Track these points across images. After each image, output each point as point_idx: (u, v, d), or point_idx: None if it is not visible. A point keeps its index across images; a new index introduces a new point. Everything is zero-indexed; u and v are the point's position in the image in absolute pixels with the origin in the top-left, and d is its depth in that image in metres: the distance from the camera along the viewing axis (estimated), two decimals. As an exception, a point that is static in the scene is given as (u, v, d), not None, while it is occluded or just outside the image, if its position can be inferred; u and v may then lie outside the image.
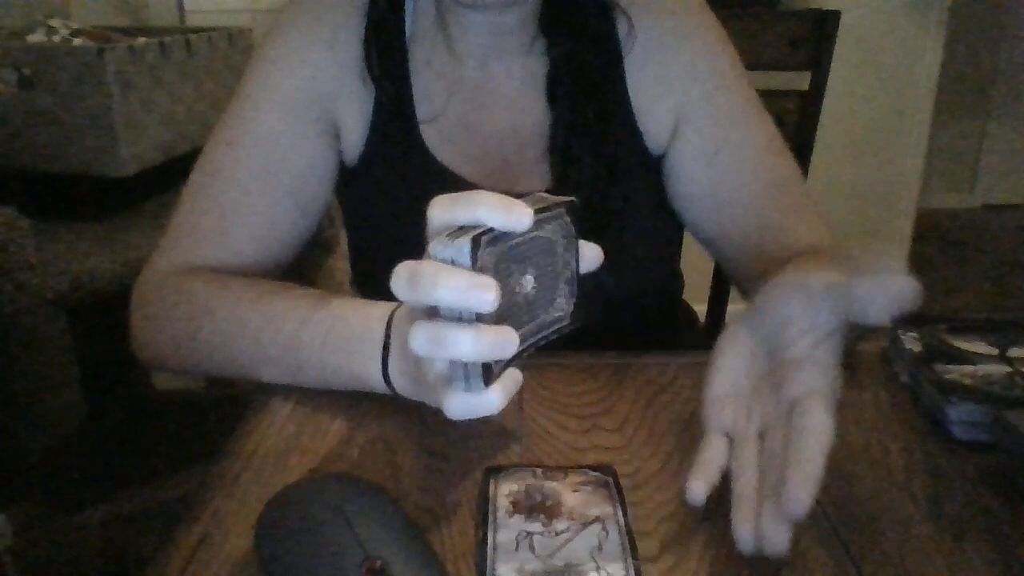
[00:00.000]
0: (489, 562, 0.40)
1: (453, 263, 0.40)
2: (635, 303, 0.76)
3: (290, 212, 0.70)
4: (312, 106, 0.70)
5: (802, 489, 0.38)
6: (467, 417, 0.45)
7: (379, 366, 0.53)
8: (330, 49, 0.70)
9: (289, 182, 0.69)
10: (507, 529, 0.43)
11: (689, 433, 0.53)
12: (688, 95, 0.72)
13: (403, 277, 0.41)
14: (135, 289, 0.68)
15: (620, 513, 0.44)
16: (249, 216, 0.68)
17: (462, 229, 0.41)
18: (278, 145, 0.69)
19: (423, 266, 0.40)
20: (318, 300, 0.58)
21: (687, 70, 0.72)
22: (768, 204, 0.71)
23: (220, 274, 0.65)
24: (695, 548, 0.43)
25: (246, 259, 0.67)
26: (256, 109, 0.69)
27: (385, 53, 0.71)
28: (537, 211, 0.42)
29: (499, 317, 0.42)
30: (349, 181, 0.74)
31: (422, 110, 0.72)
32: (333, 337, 0.55)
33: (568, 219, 0.46)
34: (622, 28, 0.72)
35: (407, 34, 0.72)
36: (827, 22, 1.06)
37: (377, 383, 0.54)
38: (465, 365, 0.42)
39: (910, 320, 0.65)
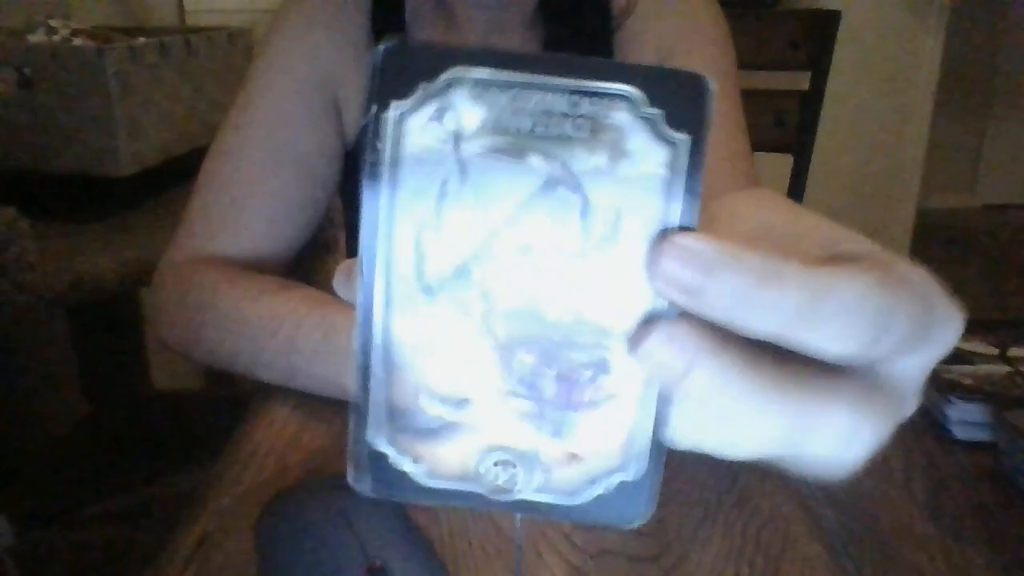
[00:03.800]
0: None
1: None
2: None
3: (300, 193, 0.70)
4: (317, 87, 0.71)
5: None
6: None
7: None
8: (331, 30, 0.72)
9: (298, 163, 0.70)
10: None
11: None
12: (669, 56, 0.74)
13: (343, 274, 0.38)
14: (155, 276, 0.69)
15: None
16: (260, 198, 0.69)
17: None
18: (285, 127, 0.70)
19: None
20: (315, 304, 0.58)
21: (672, 36, 0.74)
22: (724, 174, 0.72)
23: (228, 267, 0.65)
24: (695, 548, 0.43)
25: (258, 241, 0.68)
26: (262, 93, 0.71)
27: (384, 31, 0.72)
28: None
29: None
30: (348, 167, 0.75)
31: None
32: (325, 346, 0.55)
33: None
34: (618, 3, 0.73)
35: (407, 11, 0.73)
36: (827, 22, 1.06)
37: None
38: None
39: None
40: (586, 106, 0.22)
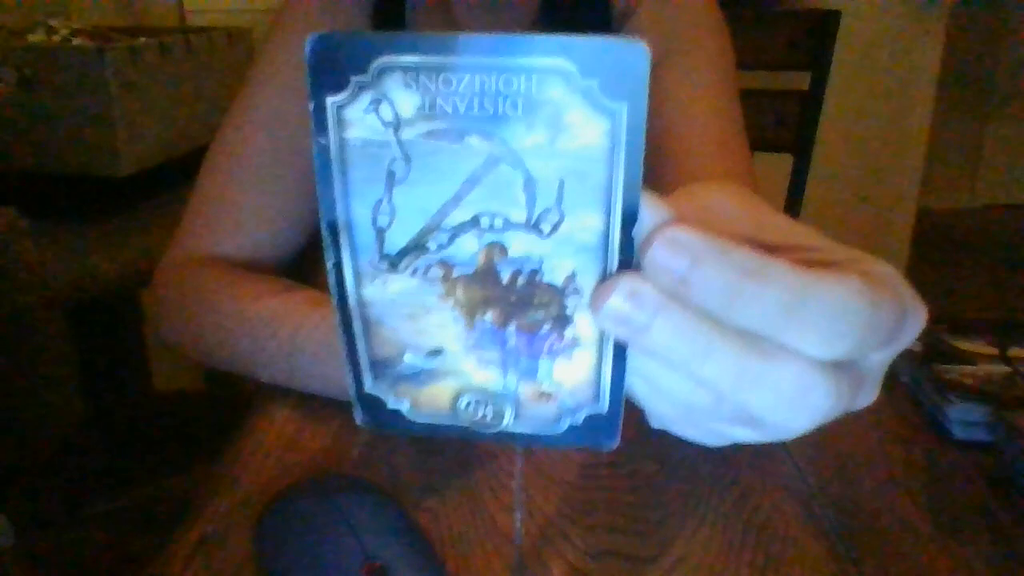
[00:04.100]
0: None
1: None
2: None
3: (300, 194, 0.71)
4: None
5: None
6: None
7: None
8: (331, 29, 0.72)
9: (298, 164, 0.70)
10: None
11: (689, 433, 0.53)
12: (668, 55, 0.73)
13: None
14: (155, 275, 0.69)
15: None
16: (260, 198, 0.69)
17: None
18: (285, 127, 0.70)
19: None
20: (316, 305, 0.58)
21: (671, 37, 0.73)
22: (721, 175, 0.71)
23: (229, 268, 0.66)
24: (695, 548, 0.43)
25: (258, 241, 0.69)
26: (262, 93, 0.71)
27: (384, 31, 0.72)
28: None
29: None
30: None
31: None
32: (324, 347, 0.55)
33: None
34: (619, 4, 0.73)
35: (408, 11, 0.73)
36: (827, 22, 1.06)
37: None
38: None
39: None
40: (520, 83, 0.22)
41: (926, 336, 0.62)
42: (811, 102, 1.09)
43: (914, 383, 0.59)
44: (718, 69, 0.74)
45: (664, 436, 0.53)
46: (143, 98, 1.17)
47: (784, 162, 1.12)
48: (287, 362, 0.56)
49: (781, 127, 1.10)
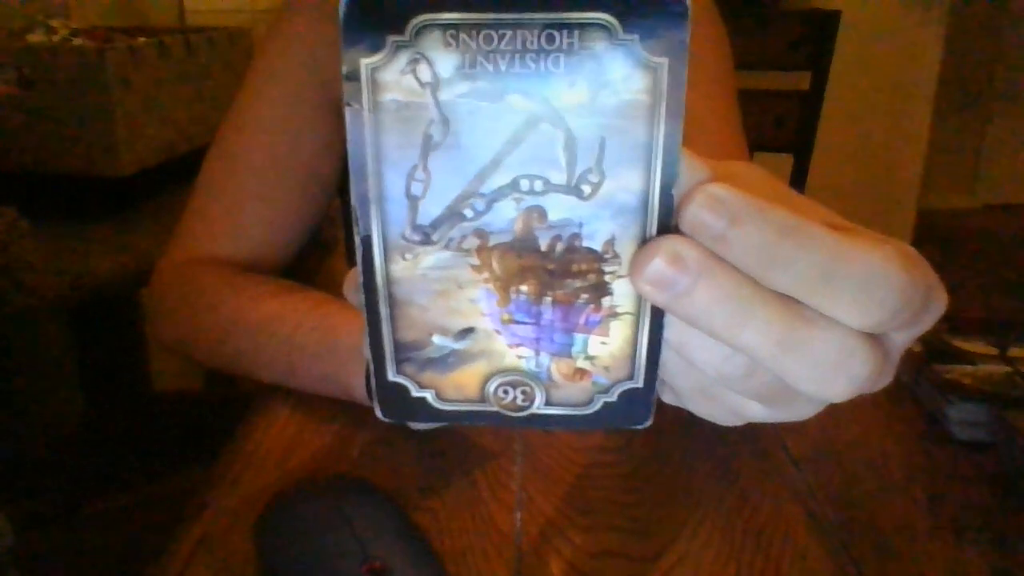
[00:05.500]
0: None
1: None
2: None
3: (299, 196, 0.70)
4: (317, 89, 0.71)
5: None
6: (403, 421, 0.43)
7: (363, 381, 0.52)
8: (328, 32, 0.71)
9: (297, 166, 0.70)
10: None
11: (691, 433, 0.53)
12: None
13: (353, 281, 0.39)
14: (154, 276, 0.69)
15: None
16: (259, 201, 0.69)
17: None
18: (285, 130, 0.70)
19: None
20: (316, 305, 0.58)
21: None
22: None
23: (228, 269, 0.66)
24: (695, 548, 0.43)
25: (257, 244, 0.69)
26: (262, 95, 0.70)
27: None
28: None
29: None
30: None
31: None
32: (324, 347, 0.55)
33: None
34: None
35: None
36: (827, 22, 1.06)
37: (361, 397, 0.53)
38: None
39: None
40: (561, 39, 0.21)
41: (926, 336, 0.62)
42: (811, 102, 1.09)
43: (914, 383, 0.59)
44: (716, 70, 0.74)
45: (664, 436, 0.53)
46: (143, 98, 1.17)
47: (784, 162, 1.12)
48: (286, 362, 0.56)
49: (781, 127, 1.11)
